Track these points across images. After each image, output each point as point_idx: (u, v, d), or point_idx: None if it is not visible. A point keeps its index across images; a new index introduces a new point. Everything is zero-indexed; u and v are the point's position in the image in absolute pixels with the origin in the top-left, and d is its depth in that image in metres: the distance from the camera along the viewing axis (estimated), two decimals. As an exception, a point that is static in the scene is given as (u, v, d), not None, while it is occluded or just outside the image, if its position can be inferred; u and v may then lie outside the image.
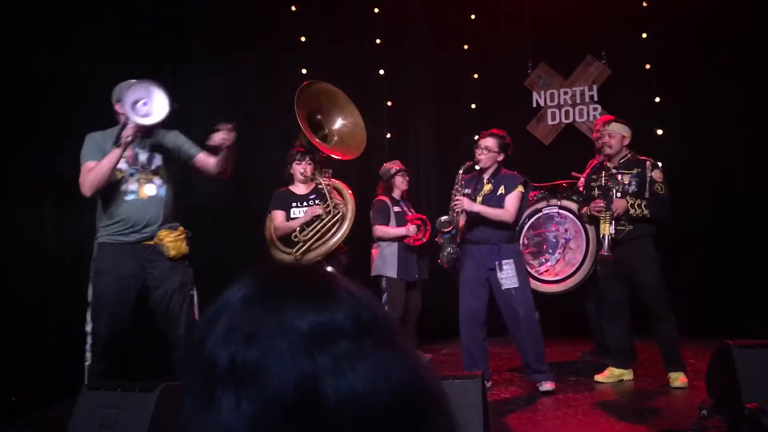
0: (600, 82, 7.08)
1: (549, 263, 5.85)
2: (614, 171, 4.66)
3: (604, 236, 4.53)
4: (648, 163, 4.66)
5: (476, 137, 7.17)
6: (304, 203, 4.84)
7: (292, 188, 4.93)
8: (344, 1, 6.96)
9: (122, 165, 3.77)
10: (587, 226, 5.51)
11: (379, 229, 5.51)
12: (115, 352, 3.76)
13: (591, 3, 6.93)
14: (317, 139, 4.97)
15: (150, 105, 3.56)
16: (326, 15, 6.83)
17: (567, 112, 7.18)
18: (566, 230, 5.84)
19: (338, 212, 4.79)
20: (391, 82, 7.22)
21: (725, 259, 6.37)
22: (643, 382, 4.70)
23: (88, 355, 3.69)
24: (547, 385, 4.46)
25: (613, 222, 4.53)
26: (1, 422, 3.90)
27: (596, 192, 4.69)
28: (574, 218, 5.72)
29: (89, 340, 3.70)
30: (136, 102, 3.55)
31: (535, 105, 7.28)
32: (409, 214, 5.74)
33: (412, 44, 7.32)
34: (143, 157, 3.83)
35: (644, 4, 6.86)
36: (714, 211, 6.44)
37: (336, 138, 5.20)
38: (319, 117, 5.15)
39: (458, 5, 7.32)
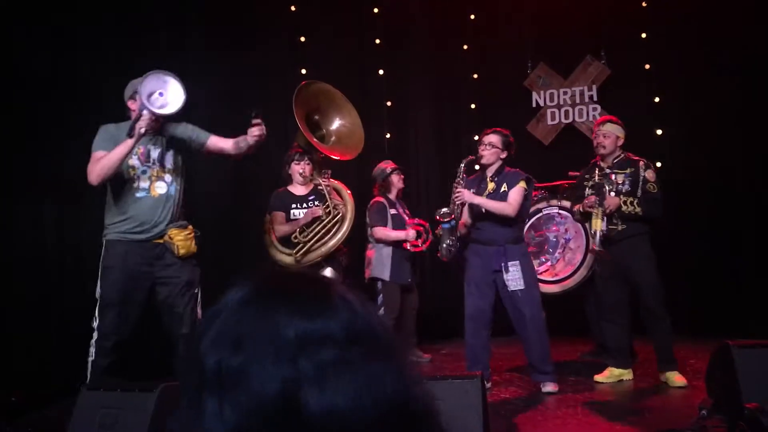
0: (599, 82, 7.08)
1: (549, 263, 5.86)
2: (608, 171, 4.67)
3: (595, 232, 4.54)
4: (641, 163, 4.67)
5: (476, 137, 7.20)
6: (304, 204, 4.84)
7: (290, 189, 4.93)
8: (344, 1, 6.97)
9: (134, 162, 3.78)
10: (588, 226, 5.52)
11: (380, 231, 5.50)
12: (120, 350, 3.76)
13: (590, 3, 6.94)
14: (315, 139, 4.97)
15: (166, 95, 3.56)
16: (326, 15, 6.83)
17: (566, 112, 7.18)
18: (566, 230, 5.85)
19: (338, 213, 4.78)
20: (390, 82, 7.22)
21: (725, 259, 6.37)
22: (643, 382, 4.70)
23: (92, 350, 3.70)
24: (550, 386, 4.46)
25: (605, 218, 4.54)
26: (1, 422, 3.90)
27: (588, 191, 4.70)
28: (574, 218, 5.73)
29: (95, 335, 3.71)
30: (151, 93, 3.55)
31: (534, 105, 7.28)
32: (407, 217, 5.71)
33: (411, 44, 7.32)
34: (155, 154, 3.84)
35: (644, 4, 6.87)
36: (714, 211, 6.45)
37: (333, 138, 5.20)
38: (317, 117, 5.15)
39: (458, 5, 7.32)
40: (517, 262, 4.46)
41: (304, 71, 6.58)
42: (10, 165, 4.62)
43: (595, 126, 5.46)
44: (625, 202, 4.55)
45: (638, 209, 4.54)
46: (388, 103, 7.21)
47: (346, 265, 5.14)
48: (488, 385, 4.47)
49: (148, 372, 4.10)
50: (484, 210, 4.51)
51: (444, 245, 4.58)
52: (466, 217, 4.67)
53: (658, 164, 6.27)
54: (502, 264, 4.45)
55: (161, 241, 3.79)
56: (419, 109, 7.38)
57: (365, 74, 7.10)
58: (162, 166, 3.84)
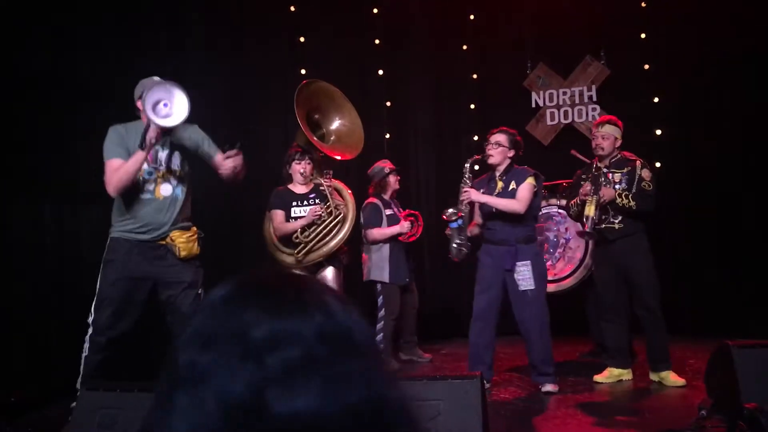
0: (599, 82, 7.08)
1: (549, 263, 5.87)
2: (605, 170, 4.68)
3: (587, 217, 4.54)
4: (638, 162, 4.69)
5: (476, 137, 7.21)
6: (305, 202, 4.84)
7: (291, 187, 4.93)
8: (343, 1, 6.97)
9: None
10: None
11: (375, 232, 5.48)
12: (113, 347, 3.74)
13: (590, 3, 6.94)
14: (315, 138, 4.97)
15: (170, 106, 3.54)
16: (325, 15, 6.83)
17: (566, 112, 7.18)
18: (566, 230, 5.85)
19: (339, 213, 4.79)
20: (390, 83, 7.22)
21: (725, 259, 6.38)
22: (642, 382, 4.70)
23: (86, 345, 3.69)
24: (549, 386, 4.46)
25: (599, 208, 4.54)
26: (1, 422, 3.90)
27: (583, 182, 4.73)
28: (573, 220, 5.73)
29: (89, 330, 3.70)
30: (156, 103, 3.53)
31: (534, 105, 7.28)
32: (401, 212, 5.72)
33: (411, 44, 7.32)
34: (162, 155, 3.82)
35: (643, 4, 6.87)
36: (714, 211, 6.45)
37: (333, 137, 5.21)
38: (317, 116, 5.15)
39: (457, 5, 7.32)
40: (528, 262, 4.43)
41: (303, 71, 6.58)
42: (9, 165, 4.63)
43: (594, 126, 5.49)
44: (620, 195, 4.57)
45: (632, 203, 4.56)
46: (388, 104, 7.21)
47: (347, 264, 5.15)
48: (487, 385, 4.46)
49: (148, 372, 4.11)
50: (494, 209, 4.49)
51: (454, 245, 4.54)
52: (477, 217, 4.65)
53: (657, 164, 6.28)
54: (514, 263, 4.43)
55: (164, 242, 3.78)
56: (419, 109, 7.38)
57: (365, 74, 7.10)
58: (168, 168, 3.82)
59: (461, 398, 3.06)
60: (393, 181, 5.71)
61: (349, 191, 5.04)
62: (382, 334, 5.39)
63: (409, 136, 7.39)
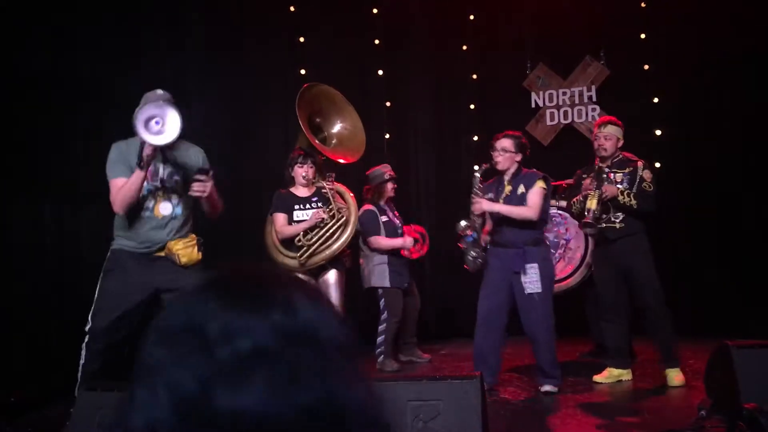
0: (599, 82, 7.09)
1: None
2: (607, 170, 4.69)
3: (589, 210, 4.54)
4: (640, 163, 4.70)
5: (475, 137, 7.21)
6: (307, 205, 4.84)
7: (293, 190, 4.93)
8: (343, 1, 6.97)
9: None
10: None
11: (375, 241, 5.45)
12: (112, 353, 3.73)
13: (590, 4, 6.94)
14: (317, 142, 4.98)
15: (162, 124, 3.50)
16: (325, 15, 6.83)
17: (566, 112, 7.19)
18: (566, 230, 5.85)
19: (342, 216, 4.79)
20: (390, 83, 7.23)
21: (725, 259, 6.38)
22: (642, 383, 4.71)
23: (83, 353, 3.68)
24: (548, 387, 4.45)
25: (600, 203, 4.54)
26: (1, 422, 3.90)
27: (584, 178, 4.73)
28: (574, 219, 5.73)
29: (86, 338, 3.69)
30: (149, 119, 3.49)
31: (533, 105, 7.29)
32: (398, 223, 5.65)
33: (411, 45, 7.32)
34: (163, 173, 3.75)
35: (643, 4, 6.87)
36: (714, 211, 6.45)
37: (335, 141, 5.22)
38: (318, 120, 5.16)
39: (457, 6, 7.33)
40: (536, 264, 4.40)
41: (303, 72, 6.59)
42: (9, 165, 4.63)
43: (596, 127, 5.50)
44: (622, 192, 4.57)
45: (633, 201, 4.56)
46: (388, 104, 7.21)
47: (349, 267, 5.15)
48: (488, 387, 4.41)
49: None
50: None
51: (470, 257, 4.50)
52: (488, 222, 4.62)
53: (657, 164, 6.28)
54: (522, 266, 4.40)
55: (162, 254, 3.75)
56: (418, 109, 7.39)
57: (364, 75, 7.11)
58: (169, 186, 3.76)
59: (461, 398, 3.06)
60: (390, 188, 5.67)
61: (351, 194, 5.04)
62: (383, 336, 5.39)
63: (408, 136, 7.39)
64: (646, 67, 6.83)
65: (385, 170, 5.66)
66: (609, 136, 4.70)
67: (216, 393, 0.65)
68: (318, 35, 6.77)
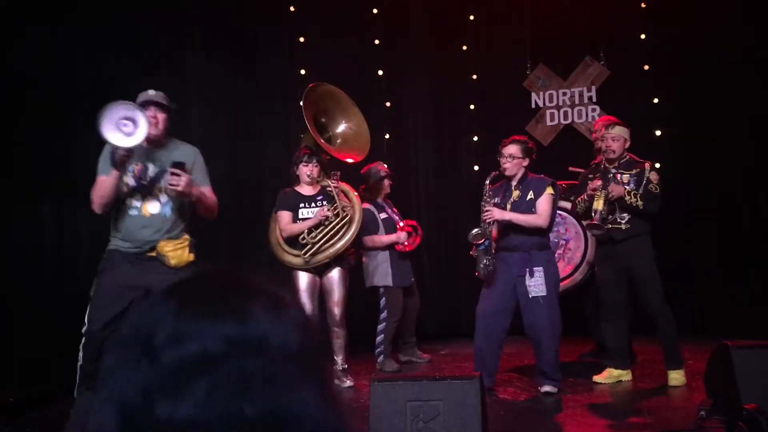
0: (599, 83, 7.08)
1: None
2: (613, 171, 4.69)
3: (596, 210, 4.54)
4: (647, 165, 4.71)
5: (475, 138, 7.21)
6: (312, 204, 4.85)
7: (298, 189, 4.94)
8: (343, 2, 6.97)
9: (129, 179, 3.71)
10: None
11: (370, 240, 5.45)
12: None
13: (589, 4, 6.94)
14: (323, 141, 4.99)
15: (132, 126, 3.47)
16: (325, 15, 6.83)
17: (566, 113, 7.18)
18: (566, 230, 5.85)
19: (346, 215, 4.80)
20: (389, 83, 7.23)
21: (725, 259, 6.38)
22: (642, 383, 4.71)
23: (81, 354, 3.68)
24: (548, 387, 4.45)
25: (607, 203, 4.54)
26: (0, 422, 3.90)
27: (591, 178, 4.73)
28: (574, 220, 5.74)
29: (83, 339, 3.69)
30: (123, 119, 3.47)
31: (533, 106, 7.28)
32: (397, 219, 5.67)
33: (411, 45, 7.32)
34: (152, 172, 3.74)
35: (642, 5, 6.87)
36: (713, 211, 6.46)
37: (340, 140, 5.23)
38: (323, 120, 5.18)
39: (457, 6, 7.33)
40: (542, 268, 4.41)
41: (303, 72, 6.59)
42: (9, 165, 4.63)
43: (595, 126, 5.49)
44: (628, 193, 4.57)
45: (639, 202, 4.56)
46: (388, 104, 7.21)
47: (352, 266, 5.15)
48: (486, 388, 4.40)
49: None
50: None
51: (481, 266, 4.48)
52: (494, 226, 4.60)
53: (657, 165, 6.28)
54: (527, 269, 4.40)
55: (153, 254, 3.73)
56: (418, 109, 7.38)
57: (364, 75, 7.11)
58: (158, 185, 3.73)
59: (461, 399, 3.07)
60: (387, 185, 5.68)
61: (356, 193, 5.05)
62: (382, 335, 5.39)
63: (408, 136, 7.39)
64: (646, 67, 6.83)
65: (380, 167, 5.66)
66: (617, 138, 4.70)
67: (157, 401, 0.64)
68: (318, 35, 6.77)
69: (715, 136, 6.49)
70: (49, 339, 4.65)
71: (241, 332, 0.68)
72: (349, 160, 5.14)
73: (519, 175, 4.56)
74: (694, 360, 4.84)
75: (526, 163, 4.56)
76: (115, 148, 3.48)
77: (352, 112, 5.24)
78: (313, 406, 0.69)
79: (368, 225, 5.43)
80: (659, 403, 4.22)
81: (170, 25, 5.86)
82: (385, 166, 5.74)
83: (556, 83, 7.23)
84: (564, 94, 7.19)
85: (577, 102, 7.15)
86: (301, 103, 4.92)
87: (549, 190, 4.47)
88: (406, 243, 5.54)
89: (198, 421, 0.64)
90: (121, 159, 3.53)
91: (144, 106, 3.68)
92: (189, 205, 3.85)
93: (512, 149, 4.54)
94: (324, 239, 4.75)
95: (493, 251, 4.49)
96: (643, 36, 6.84)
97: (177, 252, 3.73)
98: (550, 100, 7.23)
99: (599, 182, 4.61)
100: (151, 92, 3.76)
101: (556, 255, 5.81)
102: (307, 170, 4.86)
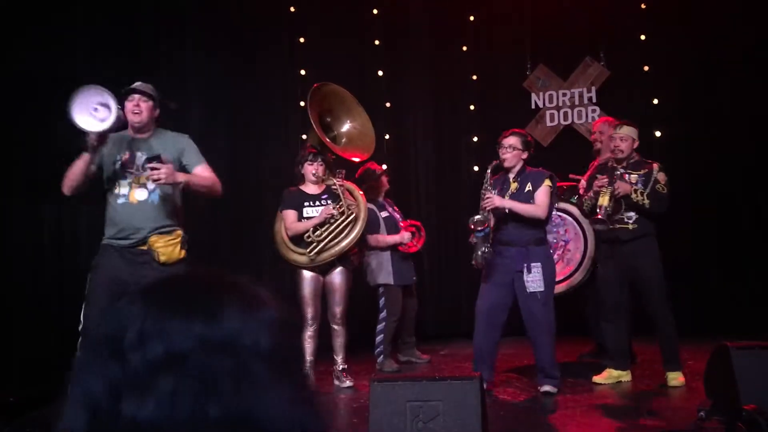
0: (599, 83, 7.09)
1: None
2: (622, 170, 4.68)
3: (601, 206, 4.51)
4: (655, 166, 4.70)
5: (475, 138, 7.21)
6: (317, 203, 4.86)
7: (303, 188, 4.95)
8: (343, 2, 6.97)
9: (117, 168, 3.74)
10: (585, 228, 5.54)
11: (373, 239, 5.45)
12: None
13: (589, 5, 6.94)
14: (328, 140, 5.00)
15: (105, 111, 3.45)
16: (325, 15, 6.83)
17: (566, 113, 7.19)
18: (566, 231, 5.85)
19: (351, 213, 4.81)
20: (389, 83, 7.22)
21: (725, 260, 6.38)
22: (642, 384, 4.71)
23: (78, 354, 3.67)
24: (548, 387, 4.45)
25: (613, 200, 4.53)
26: (0, 422, 3.90)
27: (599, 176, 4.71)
28: (573, 221, 5.73)
29: (80, 338, 3.69)
30: (98, 105, 3.44)
31: (533, 106, 7.29)
32: (398, 217, 5.67)
33: (410, 45, 7.32)
34: (140, 160, 3.74)
35: (642, 6, 6.88)
36: (713, 211, 6.46)
37: (345, 140, 5.24)
38: (328, 119, 5.19)
39: (457, 7, 7.33)
40: (539, 264, 4.42)
41: (303, 72, 6.59)
42: (9, 165, 4.63)
43: (594, 127, 5.49)
44: (635, 191, 4.56)
45: (646, 201, 4.56)
46: (387, 104, 7.21)
47: (356, 267, 5.16)
48: (486, 386, 4.41)
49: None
50: (507, 211, 4.48)
51: (479, 253, 4.45)
52: (491, 220, 4.61)
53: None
54: (525, 264, 4.40)
55: (145, 248, 3.72)
56: (418, 110, 7.39)
57: (364, 75, 7.10)
58: (145, 173, 3.71)
59: (460, 399, 3.07)
60: (385, 181, 5.69)
61: (361, 192, 5.05)
62: (382, 335, 5.39)
63: (408, 137, 7.39)
64: (646, 68, 6.83)
65: (374, 167, 5.65)
66: (625, 138, 4.69)
67: (122, 401, 0.64)
68: (318, 35, 6.77)
69: (715, 136, 6.50)
70: (49, 339, 4.65)
71: (210, 332, 0.67)
72: (355, 159, 5.18)
73: (517, 168, 4.56)
74: (694, 360, 4.84)
75: (525, 156, 4.57)
76: (84, 132, 3.49)
77: (357, 111, 5.26)
78: (284, 407, 0.68)
79: (370, 224, 5.43)
80: (659, 404, 4.22)
81: (170, 25, 5.86)
82: (376, 164, 5.73)
83: (556, 84, 7.23)
84: (564, 94, 7.19)
85: (577, 103, 7.16)
86: (306, 103, 4.93)
87: (547, 182, 4.48)
88: (410, 243, 5.54)
89: (161, 420, 0.63)
90: (92, 144, 3.53)
91: (127, 95, 3.70)
92: (181, 195, 3.85)
93: (512, 140, 4.56)
94: (329, 237, 4.76)
95: (491, 241, 4.49)
96: (643, 36, 6.85)
97: (168, 248, 3.72)
98: (550, 101, 7.24)
99: (606, 179, 4.60)
100: (137, 83, 3.77)
101: (555, 256, 5.82)
102: (312, 169, 4.87)
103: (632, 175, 4.67)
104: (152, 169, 3.56)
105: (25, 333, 4.58)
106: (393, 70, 7.24)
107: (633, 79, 6.87)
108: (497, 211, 4.51)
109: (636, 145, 4.74)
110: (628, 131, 4.71)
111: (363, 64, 7.14)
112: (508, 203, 4.44)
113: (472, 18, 7.38)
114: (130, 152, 3.75)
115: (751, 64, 6.36)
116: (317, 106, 5.03)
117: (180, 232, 3.80)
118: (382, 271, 5.46)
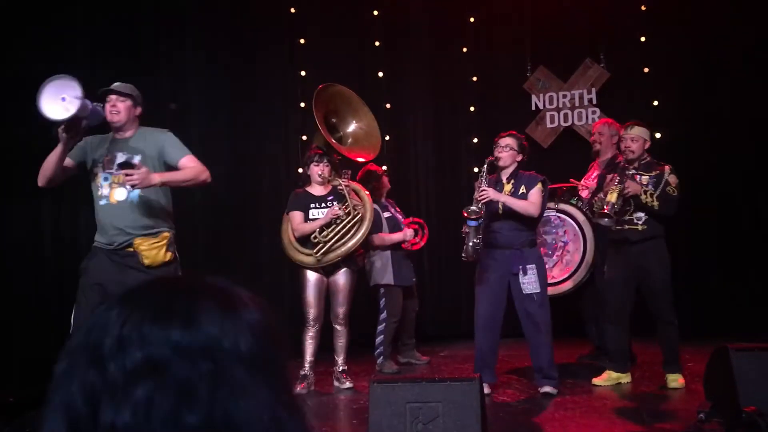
0: (599, 85, 7.08)
1: (547, 266, 5.85)
2: (633, 171, 4.66)
3: (609, 202, 4.48)
4: (667, 168, 4.69)
5: (475, 139, 7.21)
6: (323, 204, 4.86)
7: (309, 189, 4.95)
8: (343, 3, 6.97)
9: (97, 169, 3.75)
10: (584, 229, 5.53)
11: (378, 238, 5.45)
12: None
13: (589, 6, 6.94)
14: (334, 141, 5.01)
15: (74, 101, 3.41)
16: (325, 16, 6.84)
17: (566, 115, 7.18)
18: (565, 233, 5.85)
19: (357, 213, 4.81)
20: (389, 84, 7.22)
21: (725, 260, 6.38)
22: (641, 386, 4.70)
23: None
24: (548, 389, 4.45)
25: (621, 198, 4.51)
26: (0, 422, 3.90)
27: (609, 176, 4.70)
28: (572, 222, 5.73)
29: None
30: (69, 96, 3.40)
31: (533, 108, 7.28)
32: (400, 217, 5.68)
33: (410, 46, 7.32)
34: (120, 160, 3.71)
35: (642, 7, 6.87)
36: (713, 211, 6.46)
37: (351, 140, 5.25)
38: (334, 120, 5.20)
39: (457, 8, 7.32)
40: (534, 265, 4.45)
41: (303, 73, 6.59)
42: (9, 165, 4.63)
43: (594, 128, 5.49)
44: (645, 192, 4.55)
45: (655, 203, 4.55)
46: (387, 105, 7.20)
47: (361, 266, 5.16)
48: (488, 391, 4.40)
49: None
50: (500, 211, 4.47)
51: (470, 244, 4.43)
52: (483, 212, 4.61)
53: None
54: (520, 267, 4.42)
55: (131, 250, 3.70)
56: (418, 111, 7.38)
57: (364, 76, 7.10)
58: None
59: (460, 400, 3.07)
60: (386, 181, 5.71)
61: (367, 192, 5.06)
62: (382, 336, 5.39)
63: (408, 137, 7.39)
64: (646, 69, 6.83)
65: (375, 168, 5.66)
66: (636, 138, 4.66)
67: (100, 409, 0.63)
68: (318, 36, 6.77)
69: (715, 137, 6.50)
70: (49, 339, 4.65)
71: (187, 337, 0.67)
72: (361, 159, 5.18)
73: (511, 169, 4.57)
74: (694, 362, 4.85)
75: (519, 158, 4.58)
76: (54, 122, 3.46)
77: (363, 111, 5.27)
78: (264, 411, 0.67)
79: (373, 225, 5.45)
80: (658, 406, 4.22)
81: (170, 25, 5.86)
82: (375, 165, 5.73)
83: (556, 85, 7.23)
84: (564, 96, 7.18)
85: (577, 104, 7.15)
86: (311, 104, 4.94)
87: (539, 185, 4.50)
88: (413, 240, 5.55)
89: (138, 428, 0.63)
90: (62, 135, 3.50)
91: (105, 95, 3.70)
92: (169, 192, 3.83)
93: (508, 140, 4.59)
94: (335, 237, 4.76)
95: (483, 243, 4.47)
96: (643, 38, 6.84)
97: (152, 251, 3.69)
98: (550, 102, 7.23)
99: (617, 176, 4.58)
100: (115, 83, 3.77)
101: (554, 257, 5.82)
102: (318, 170, 4.88)
103: (643, 177, 4.65)
104: (126, 175, 3.54)
105: (25, 333, 4.58)
106: (393, 71, 7.24)
107: (633, 81, 6.87)
108: (489, 210, 4.49)
109: (647, 145, 4.72)
110: (639, 132, 4.69)
111: (363, 65, 7.14)
112: (502, 197, 4.44)
113: (472, 19, 7.38)
114: (111, 153, 3.75)
115: (751, 65, 6.36)
116: (323, 107, 5.03)
117: (167, 234, 3.76)
118: (382, 271, 5.46)
